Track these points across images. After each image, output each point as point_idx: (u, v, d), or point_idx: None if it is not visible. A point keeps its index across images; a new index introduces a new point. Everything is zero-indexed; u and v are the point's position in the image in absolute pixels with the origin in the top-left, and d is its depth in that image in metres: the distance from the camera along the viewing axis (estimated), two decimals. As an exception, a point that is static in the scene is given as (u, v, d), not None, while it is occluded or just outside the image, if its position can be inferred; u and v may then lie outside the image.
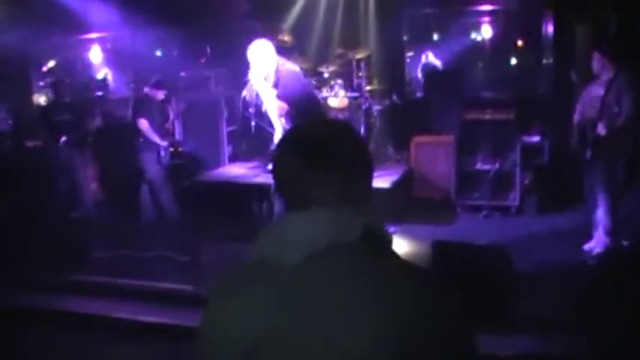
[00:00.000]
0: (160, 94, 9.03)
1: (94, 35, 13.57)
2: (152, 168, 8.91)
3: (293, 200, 1.60)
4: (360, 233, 1.48)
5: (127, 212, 9.48)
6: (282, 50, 10.39)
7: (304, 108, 6.93)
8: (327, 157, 1.56)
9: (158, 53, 13.48)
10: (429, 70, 12.87)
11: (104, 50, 13.90)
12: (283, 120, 7.32)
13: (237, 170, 10.21)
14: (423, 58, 13.49)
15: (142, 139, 8.86)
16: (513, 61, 13.33)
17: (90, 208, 9.71)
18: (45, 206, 9.39)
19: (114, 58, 13.73)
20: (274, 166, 1.65)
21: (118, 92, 12.75)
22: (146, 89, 8.92)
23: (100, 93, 12.02)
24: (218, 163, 10.58)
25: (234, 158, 10.90)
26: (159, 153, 8.82)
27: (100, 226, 8.88)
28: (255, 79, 7.31)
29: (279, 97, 7.12)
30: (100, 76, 13.53)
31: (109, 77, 13.65)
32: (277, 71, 7.05)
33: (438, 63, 13.31)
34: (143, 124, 8.74)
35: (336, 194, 1.55)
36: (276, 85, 7.11)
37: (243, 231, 8.43)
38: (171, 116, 9.34)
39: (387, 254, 1.54)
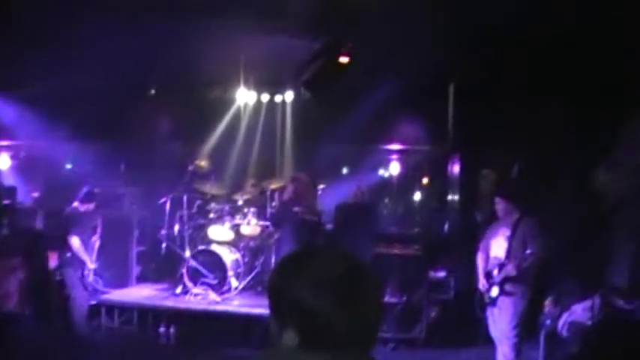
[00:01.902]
0: (91, 207, 8.76)
1: (4, 142, 13.37)
2: (75, 285, 8.57)
3: (306, 333, 1.64)
4: None
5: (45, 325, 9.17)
6: (198, 175, 10.63)
7: None
8: (349, 300, 1.61)
9: (68, 166, 13.37)
10: (341, 203, 13.15)
11: (12, 157, 13.62)
12: None
13: (145, 292, 10.07)
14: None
15: (69, 254, 8.51)
16: (417, 196, 13.81)
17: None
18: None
19: (24, 166, 13.47)
20: (281, 290, 1.69)
21: (26, 201, 12.43)
22: (76, 203, 8.65)
23: (7, 201, 11.70)
24: (126, 282, 10.40)
25: (142, 278, 10.74)
26: (82, 272, 8.52)
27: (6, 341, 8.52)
28: None
29: None
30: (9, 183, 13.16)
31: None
32: None
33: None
34: (75, 241, 8.39)
35: (346, 336, 1.61)
36: None
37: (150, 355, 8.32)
38: (99, 231, 9.09)
39: None
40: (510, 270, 7.04)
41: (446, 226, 11.39)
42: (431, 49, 7.34)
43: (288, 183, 9.93)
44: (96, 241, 8.94)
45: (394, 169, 13.66)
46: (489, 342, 7.76)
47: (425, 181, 13.48)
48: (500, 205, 7.40)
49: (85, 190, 8.82)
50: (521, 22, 6.47)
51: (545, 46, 7.24)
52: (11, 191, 12.01)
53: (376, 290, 1.72)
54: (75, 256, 8.49)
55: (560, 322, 7.59)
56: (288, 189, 9.61)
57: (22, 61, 9.02)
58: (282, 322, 1.68)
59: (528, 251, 7.02)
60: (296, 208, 8.88)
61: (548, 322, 8.03)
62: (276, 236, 10.19)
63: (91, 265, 8.62)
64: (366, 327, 1.66)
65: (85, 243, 8.60)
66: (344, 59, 7.00)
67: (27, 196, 12.66)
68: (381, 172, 14.08)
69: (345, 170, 14.09)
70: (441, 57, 7.93)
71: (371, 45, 7.11)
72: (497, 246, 7.32)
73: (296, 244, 8.67)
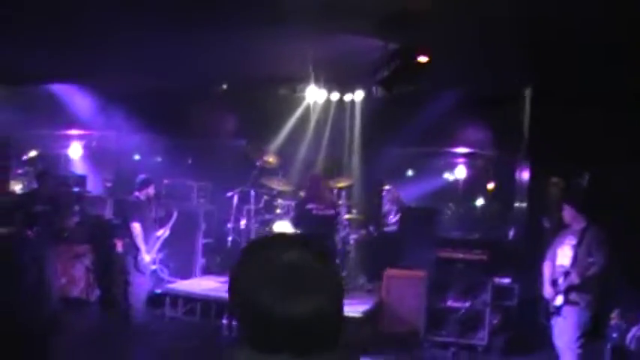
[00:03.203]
0: (150, 190, 8.92)
1: (75, 132, 13.78)
2: (132, 271, 8.77)
3: (255, 338, 1.52)
4: None
5: (108, 311, 9.43)
6: (266, 171, 10.75)
7: None
8: (301, 292, 1.48)
9: (137, 157, 13.70)
10: (405, 206, 13.14)
11: (85, 147, 14.02)
12: None
13: (209, 283, 10.23)
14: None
15: (127, 240, 8.75)
16: (480, 202, 13.68)
17: (57, 304, 9.56)
18: (11, 298, 9.24)
19: (95, 156, 13.86)
20: (232, 282, 1.57)
21: (95, 190, 12.78)
22: (136, 193, 8.84)
23: (77, 189, 12.04)
24: (190, 274, 10.60)
25: (206, 271, 10.92)
26: (136, 257, 8.72)
27: (68, 325, 8.77)
28: None
29: None
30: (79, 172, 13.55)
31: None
32: None
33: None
34: (136, 227, 8.61)
35: (302, 339, 1.49)
36: None
37: (213, 344, 8.46)
38: (170, 222, 9.28)
39: None
40: (574, 279, 6.95)
41: (511, 233, 11.27)
42: (509, 55, 7.27)
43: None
44: (164, 233, 9.12)
45: (460, 173, 13.56)
46: (551, 351, 7.66)
47: (490, 186, 13.34)
48: (567, 212, 7.30)
49: (140, 177, 8.99)
50: (605, 30, 6.34)
51: (629, 56, 7.08)
52: (81, 180, 12.37)
53: (332, 281, 1.53)
54: (133, 243, 8.67)
55: (629, 336, 7.45)
56: (304, 187, 9.70)
57: (100, 57, 9.29)
58: (236, 318, 1.57)
59: (592, 260, 6.92)
60: (310, 206, 8.87)
61: (614, 334, 7.89)
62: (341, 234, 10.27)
63: (146, 254, 8.72)
64: (321, 322, 1.49)
65: (147, 231, 8.79)
66: (423, 59, 6.97)
67: (97, 185, 13.03)
68: (447, 175, 14.01)
69: (410, 172, 14.08)
70: (519, 63, 7.84)
71: (446, 48, 7.08)
72: (563, 254, 7.23)
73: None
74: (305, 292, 1.47)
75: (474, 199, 13.83)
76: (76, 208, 10.88)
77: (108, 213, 11.36)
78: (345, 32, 7.18)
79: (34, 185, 11.08)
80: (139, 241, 8.64)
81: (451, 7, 6.16)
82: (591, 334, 7.16)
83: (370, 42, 7.29)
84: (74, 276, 10.27)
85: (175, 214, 9.34)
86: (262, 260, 1.52)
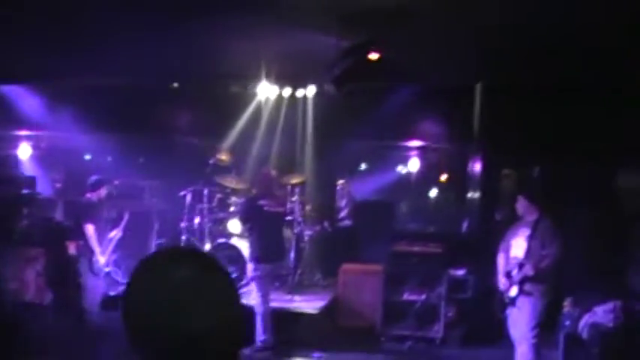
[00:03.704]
0: (103, 191, 8.79)
1: (24, 132, 13.48)
2: (86, 273, 8.63)
3: (148, 355, 1.47)
4: None
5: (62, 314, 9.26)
6: (219, 168, 10.66)
7: None
8: (193, 309, 1.43)
9: (87, 157, 13.47)
10: (360, 201, 13.14)
11: (34, 147, 13.73)
12: None
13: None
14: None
15: (81, 242, 8.60)
16: (433, 193, 13.77)
17: (10, 309, 9.38)
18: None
19: (44, 156, 13.58)
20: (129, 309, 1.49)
21: (45, 191, 12.52)
22: (88, 194, 8.71)
23: (26, 191, 11.79)
24: (144, 275, 10.44)
25: (160, 272, 10.78)
26: (91, 259, 8.57)
27: (22, 330, 8.60)
28: None
29: None
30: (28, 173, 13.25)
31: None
32: None
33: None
34: (89, 229, 8.48)
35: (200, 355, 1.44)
36: None
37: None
38: (122, 223, 9.14)
39: None
40: (528, 270, 7.06)
41: (465, 224, 11.39)
42: (459, 50, 7.32)
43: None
44: (117, 234, 8.99)
45: (413, 165, 13.59)
46: (508, 342, 7.77)
47: (443, 178, 13.44)
48: (521, 203, 7.39)
49: (92, 178, 8.86)
50: (553, 22, 6.41)
51: (574, 49, 7.18)
52: (30, 181, 12.08)
53: (226, 295, 1.50)
54: (87, 245, 8.55)
55: (581, 324, 7.59)
56: (255, 184, 9.69)
57: (47, 56, 9.10)
58: (129, 339, 1.49)
59: (545, 252, 7.03)
60: (261, 202, 8.87)
61: (567, 322, 8.04)
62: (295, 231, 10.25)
63: (100, 256, 8.62)
64: (219, 336, 1.46)
65: (101, 232, 8.67)
66: (374, 56, 6.97)
67: (46, 186, 12.76)
68: (400, 168, 14.05)
69: (363, 166, 14.09)
70: (469, 57, 7.90)
71: (398, 44, 7.09)
72: (517, 246, 7.34)
73: (266, 237, 8.71)
74: (198, 308, 1.43)
75: (428, 192, 13.91)
76: (25, 210, 10.67)
77: (59, 215, 11.14)
78: (298, 28, 7.12)
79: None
80: (93, 242, 8.51)
81: (404, 2, 6.17)
82: (545, 324, 7.28)
83: (323, 39, 7.25)
84: (25, 280, 10.03)
85: (127, 215, 9.20)
86: (152, 280, 1.47)
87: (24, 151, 13.59)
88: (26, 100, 12.12)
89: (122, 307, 1.48)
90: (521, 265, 7.16)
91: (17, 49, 8.85)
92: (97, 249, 8.55)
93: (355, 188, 12.39)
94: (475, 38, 6.85)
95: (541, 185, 9.26)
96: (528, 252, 7.16)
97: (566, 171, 8.93)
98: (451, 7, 6.21)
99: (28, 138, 13.64)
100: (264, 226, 8.74)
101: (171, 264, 1.49)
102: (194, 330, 1.41)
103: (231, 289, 1.51)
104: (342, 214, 11.98)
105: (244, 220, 9.47)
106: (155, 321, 1.42)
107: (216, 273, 1.51)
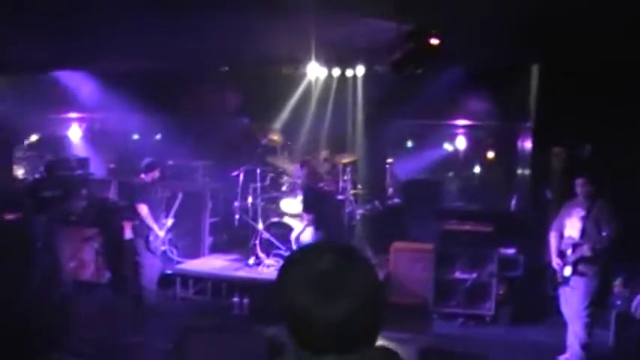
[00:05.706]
0: (156, 173, 8.98)
1: (74, 114, 13.79)
2: (142, 252, 8.88)
3: (299, 339, 1.66)
4: None
5: (120, 292, 9.55)
6: (270, 149, 10.82)
7: None
8: (336, 296, 1.60)
9: (135, 137, 13.74)
10: (408, 179, 13.15)
11: (85, 129, 14.04)
12: None
13: (218, 262, 10.36)
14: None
15: (136, 223, 8.85)
16: (480, 171, 13.73)
17: (68, 287, 9.70)
18: (23, 283, 9.34)
19: (95, 138, 13.89)
20: (280, 292, 1.68)
21: (98, 172, 12.82)
22: (142, 175, 8.91)
23: (80, 172, 12.08)
24: (198, 254, 10.71)
25: (214, 249, 11.04)
26: (147, 238, 8.83)
27: (79, 308, 8.87)
28: None
29: None
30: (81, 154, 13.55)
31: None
32: None
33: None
34: (143, 209, 8.70)
35: (340, 340, 1.61)
36: None
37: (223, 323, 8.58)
38: (176, 203, 9.38)
39: None
40: (585, 251, 7.10)
41: (513, 202, 11.40)
42: (516, 30, 7.30)
43: (297, 169, 10.29)
44: (171, 214, 9.22)
45: (460, 143, 13.57)
46: (557, 319, 7.85)
47: (491, 155, 13.40)
48: (578, 182, 7.37)
49: (145, 161, 9.04)
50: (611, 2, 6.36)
51: (633, 31, 7.12)
52: (84, 162, 12.38)
53: (367, 283, 1.64)
54: (143, 224, 8.77)
55: (634, 304, 7.61)
56: (302, 174, 9.82)
57: (100, 40, 9.27)
58: (285, 324, 1.68)
59: (604, 233, 7.05)
60: (320, 185, 8.97)
61: (618, 302, 8.08)
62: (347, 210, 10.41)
63: (160, 232, 8.90)
64: (357, 323, 1.61)
65: (155, 211, 8.88)
66: (435, 41, 6.99)
67: (99, 167, 13.07)
68: (446, 146, 14.01)
69: (409, 144, 14.08)
70: (527, 39, 7.87)
71: (453, 26, 7.08)
72: (571, 226, 7.37)
73: (329, 222, 8.94)
74: (339, 296, 1.59)
75: (474, 169, 13.87)
76: (83, 191, 10.97)
77: (112, 195, 11.41)
78: (354, 14, 7.15)
79: (37, 169, 11.14)
80: (150, 221, 8.75)
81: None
82: (595, 303, 7.34)
83: (377, 22, 7.28)
84: (83, 259, 10.35)
85: (181, 195, 9.42)
86: (301, 268, 1.65)
87: (75, 133, 13.93)
88: (78, 83, 12.39)
89: (275, 292, 1.68)
90: (575, 246, 7.21)
91: (68, 37, 9.01)
92: (154, 226, 8.79)
93: (402, 166, 12.44)
94: (532, 20, 6.82)
95: (591, 165, 9.20)
96: (584, 233, 7.20)
97: (618, 150, 8.87)
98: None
99: (79, 120, 13.97)
100: (326, 212, 8.93)
101: (316, 256, 1.66)
102: (334, 315, 1.58)
103: (371, 277, 1.68)
104: (390, 192, 12.08)
105: (307, 210, 9.67)
106: (301, 305, 1.60)
107: (357, 263, 1.67)
